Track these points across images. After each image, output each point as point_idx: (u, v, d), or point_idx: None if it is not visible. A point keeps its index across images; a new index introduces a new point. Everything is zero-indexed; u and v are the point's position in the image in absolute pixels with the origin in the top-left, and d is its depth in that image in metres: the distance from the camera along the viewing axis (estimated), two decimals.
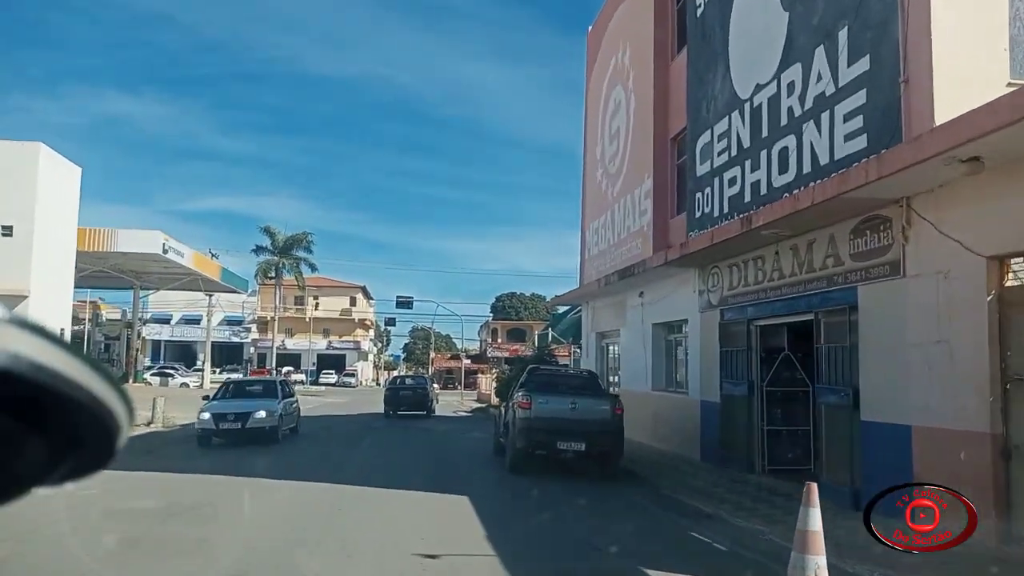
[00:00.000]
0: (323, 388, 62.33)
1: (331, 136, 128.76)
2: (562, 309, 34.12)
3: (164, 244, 32.13)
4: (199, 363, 72.19)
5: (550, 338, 38.32)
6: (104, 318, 61.07)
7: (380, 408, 32.02)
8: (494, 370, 48.22)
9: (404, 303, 50.33)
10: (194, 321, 73.56)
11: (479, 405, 40.50)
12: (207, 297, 47.69)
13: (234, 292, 46.72)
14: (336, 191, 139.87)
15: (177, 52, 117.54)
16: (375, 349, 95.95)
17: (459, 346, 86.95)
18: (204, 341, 75.00)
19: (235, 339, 73.84)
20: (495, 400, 31.74)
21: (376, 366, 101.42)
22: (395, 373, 75.88)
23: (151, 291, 46.90)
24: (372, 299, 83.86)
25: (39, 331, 0.69)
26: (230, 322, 75.06)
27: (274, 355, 58.04)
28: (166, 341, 74.51)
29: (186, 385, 48.57)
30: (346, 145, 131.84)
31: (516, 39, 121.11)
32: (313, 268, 60.72)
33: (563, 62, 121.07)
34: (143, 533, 8.61)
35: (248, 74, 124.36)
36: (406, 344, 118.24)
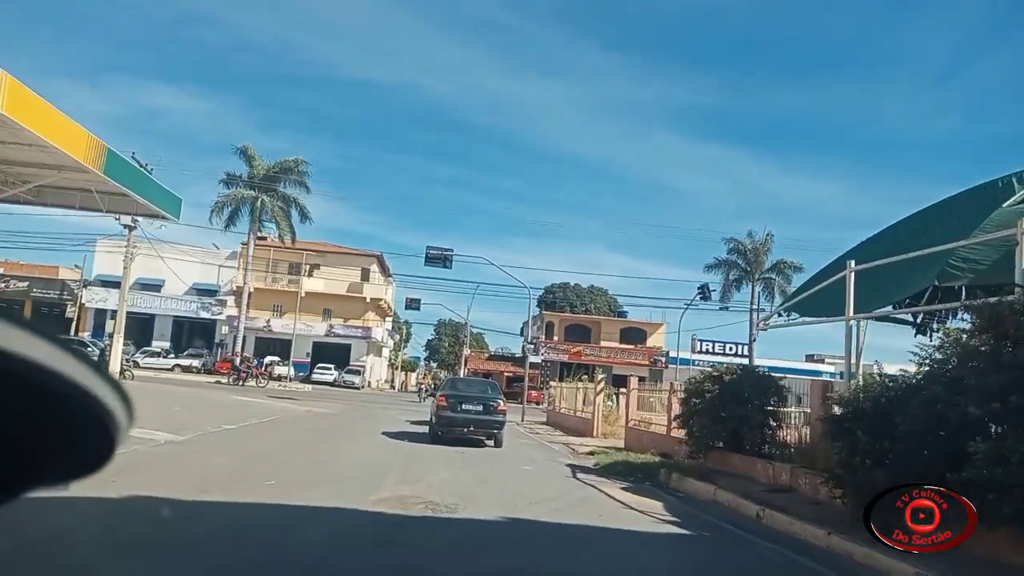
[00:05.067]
0: (309, 388, 45.34)
1: (363, 140, 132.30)
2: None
3: None
4: (157, 343, 55.74)
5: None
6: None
7: (396, 438, 18.92)
8: (584, 377, 31.30)
9: (437, 258, 33.13)
10: (154, 286, 57.10)
11: (596, 446, 22.91)
12: (119, 223, 30.87)
13: (158, 217, 29.61)
14: (365, 194, 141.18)
15: (219, 50, 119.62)
16: (391, 342, 78.95)
17: (518, 343, 70.07)
18: (167, 314, 59.09)
19: (205, 314, 57.17)
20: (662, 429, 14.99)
21: (392, 365, 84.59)
22: (442, 374, 59.26)
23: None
24: (391, 276, 66.91)
25: (37, 330, 0.69)
26: (200, 291, 58.57)
27: (240, 335, 41.19)
28: (114, 311, 58.07)
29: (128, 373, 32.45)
30: (378, 150, 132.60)
31: (556, 55, 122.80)
32: (304, 216, 44.04)
33: (602, 79, 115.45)
34: None
35: (286, 76, 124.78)
36: (429, 341, 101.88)
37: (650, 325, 69.25)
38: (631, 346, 68.01)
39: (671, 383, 19.81)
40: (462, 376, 57.35)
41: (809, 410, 12.49)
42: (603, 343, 67.84)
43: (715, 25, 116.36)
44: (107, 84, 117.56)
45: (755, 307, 53.96)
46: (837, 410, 9.27)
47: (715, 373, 14.27)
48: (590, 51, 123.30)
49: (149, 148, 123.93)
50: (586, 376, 37.23)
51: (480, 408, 18.20)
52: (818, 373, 48.44)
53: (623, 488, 12.48)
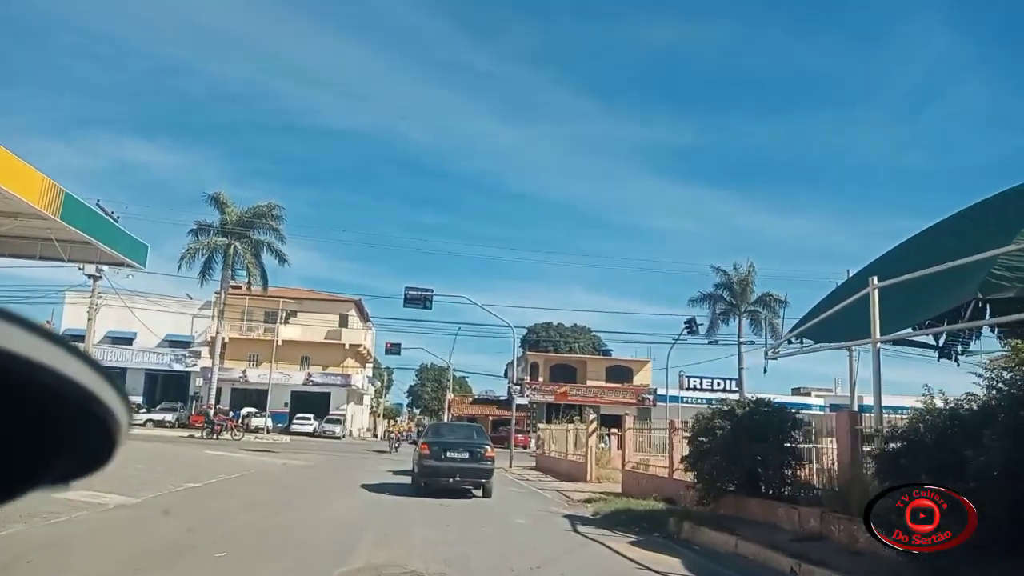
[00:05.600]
0: (287, 440, 43.47)
1: (342, 187, 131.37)
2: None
3: None
4: (135, 400, 53.64)
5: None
6: None
7: (376, 491, 17.36)
8: (575, 418, 29.78)
9: (417, 298, 31.68)
10: (125, 339, 55.23)
11: (592, 492, 21.55)
12: (83, 273, 29.28)
13: (124, 265, 28.19)
14: (344, 241, 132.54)
15: (196, 101, 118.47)
16: (372, 389, 77.00)
17: (502, 386, 68.61)
18: (139, 368, 56.99)
19: (178, 366, 55.24)
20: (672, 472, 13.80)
21: (374, 412, 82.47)
22: (425, 420, 57.57)
23: None
24: (370, 322, 65.34)
25: (36, 329, 0.69)
26: (173, 343, 56.71)
27: (213, 386, 39.42)
28: None
29: None
30: (357, 196, 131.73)
31: (532, 98, 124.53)
32: (282, 260, 42.59)
33: (579, 121, 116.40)
34: None
35: (263, 124, 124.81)
36: (411, 387, 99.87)
37: (636, 362, 67.93)
38: (618, 385, 66.56)
39: (671, 421, 18.47)
40: (446, 421, 55.76)
41: (834, 445, 11.21)
42: (589, 382, 66.35)
43: (688, 66, 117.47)
44: (81, 138, 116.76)
45: (742, 340, 52.94)
46: (890, 445, 7.97)
47: (726, 408, 12.95)
48: (566, 93, 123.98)
49: (124, 202, 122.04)
50: (577, 417, 35.78)
51: (466, 455, 16.73)
52: (807, 407, 47.06)
53: (631, 542, 11.07)
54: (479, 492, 17.25)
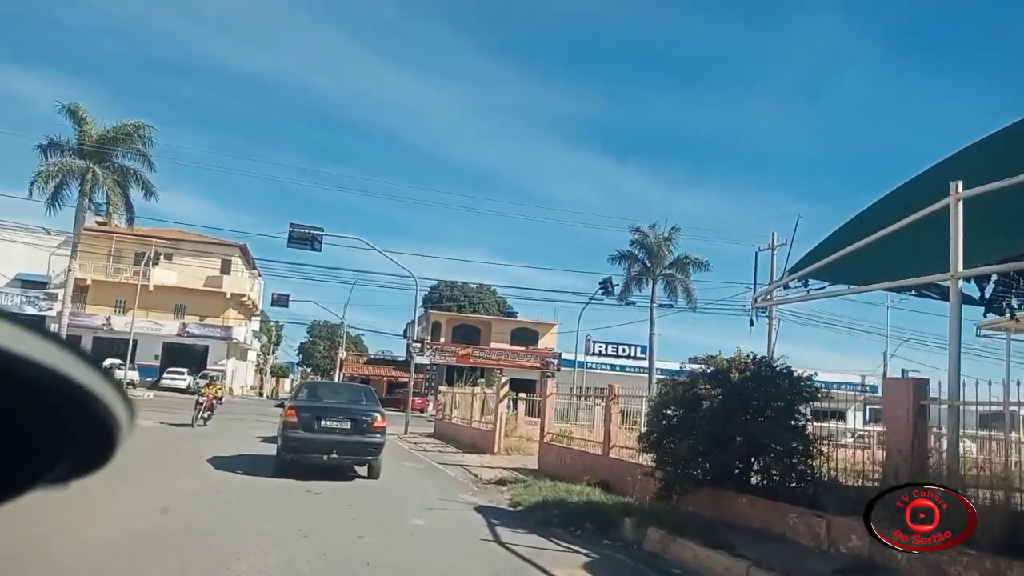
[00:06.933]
0: (151, 396, 38.21)
1: (239, 134, 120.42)
2: None
3: None
4: None
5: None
6: None
7: (226, 468, 13.16)
8: (479, 381, 25.96)
9: (303, 237, 26.95)
10: None
11: (503, 468, 17.82)
12: None
13: None
14: (242, 190, 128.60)
15: (81, 33, 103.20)
16: (258, 344, 71.35)
17: (401, 346, 64.40)
18: None
19: (31, 309, 48.50)
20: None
21: (260, 370, 76.84)
22: (298, 380, 52.83)
23: None
24: (258, 271, 59.70)
25: (35, 329, 0.68)
26: (26, 283, 49.96)
27: (63, 331, 33.85)
28: None
29: None
30: (254, 145, 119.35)
31: (439, 56, 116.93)
32: (149, 194, 36.87)
33: (487, 83, 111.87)
34: None
35: (155, 63, 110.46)
36: (302, 344, 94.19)
37: (542, 325, 64.83)
38: (523, 348, 63.34)
39: (610, 386, 14.91)
40: (325, 380, 51.39)
41: (881, 427, 7.80)
42: (494, 344, 62.87)
43: (595, 35, 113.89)
44: None
45: (656, 303, 50.23)
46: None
47: (714, 369, 9.33)
48: (477, 54, 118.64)
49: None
50: (481, 380, 32.13)
51: (348, 425, 12.64)
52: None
53: (584, 566, 7.41)
54: (364, 470, 13.35)
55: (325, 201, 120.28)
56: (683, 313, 52.85)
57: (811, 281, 10.07)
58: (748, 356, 9.09)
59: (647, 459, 10.93)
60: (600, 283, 43.90)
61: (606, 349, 63.61)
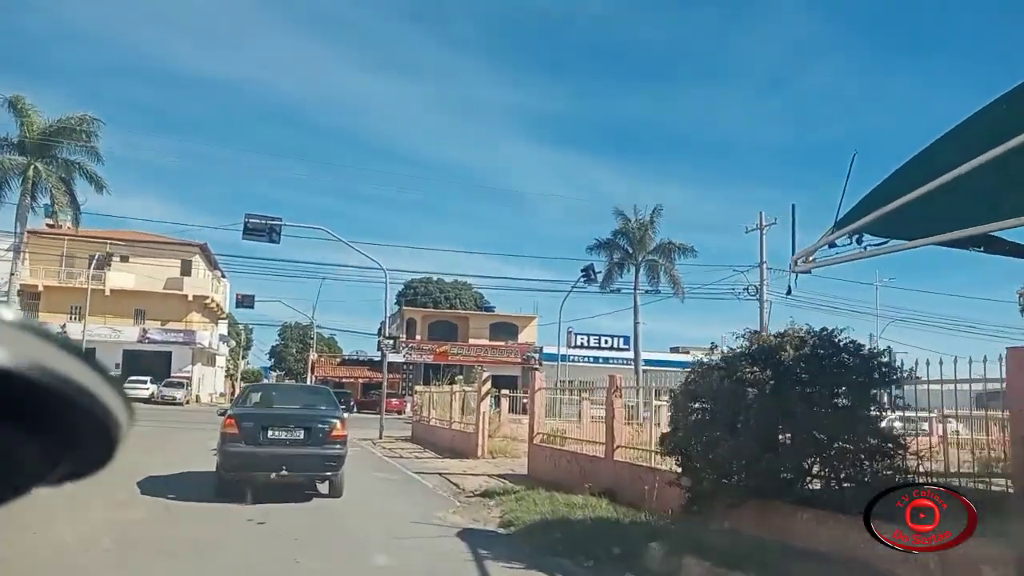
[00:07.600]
0: None
1: (202, 137, 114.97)
2: None
3: None
4: None
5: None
6: None
7: (155, 493, 10.88)
8: (457, 378, 23.76)
9: (260, 229, 24.53)
10: None
11: (488, 476, 15.76)
12: None
13: None
14: (209, 195, 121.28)
15: (37, 38, 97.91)
16: (226, 349, 68.57)
17: (375, 346, 62.05)
18: None
19: None
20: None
21: (230, 376, 74.07)
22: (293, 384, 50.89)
23: None
24: (221, 271, 57.05)
25: (36, 330, 0.69)
26: None
27: None
28: None
29: None
30: (217, 148, 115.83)
31: (402, 54, 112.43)
32: (100, 187, 34.32)
33: (454, 81, 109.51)
34: None
35: (116, 68, 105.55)
36: (273, 347, 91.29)
37: (522, 319, 62.70)
38: (502, 343, 61.19)
39: (611, 377, 12.85)
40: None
41: (997, 412, 5.82)
42: (472, 340, 60.65)
43: (562, 31, 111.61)
44: None
45: (639, 290, 48.26)
46: None
47: (760, 344, 7.24)
48: (441, 51, 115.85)
49: None
50: (459, 377, 30.02)
51: (301, 435, 10.41)
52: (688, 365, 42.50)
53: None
54: (324, 487, 11.21)
55: (293, 202, 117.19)
56: (665, 303, 51.14)
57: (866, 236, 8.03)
58: (803, 328, 7.07)
59: (659, 460, 8.92)
60: (582, 270, 41.93)
61: (588, 341, 61.59)
